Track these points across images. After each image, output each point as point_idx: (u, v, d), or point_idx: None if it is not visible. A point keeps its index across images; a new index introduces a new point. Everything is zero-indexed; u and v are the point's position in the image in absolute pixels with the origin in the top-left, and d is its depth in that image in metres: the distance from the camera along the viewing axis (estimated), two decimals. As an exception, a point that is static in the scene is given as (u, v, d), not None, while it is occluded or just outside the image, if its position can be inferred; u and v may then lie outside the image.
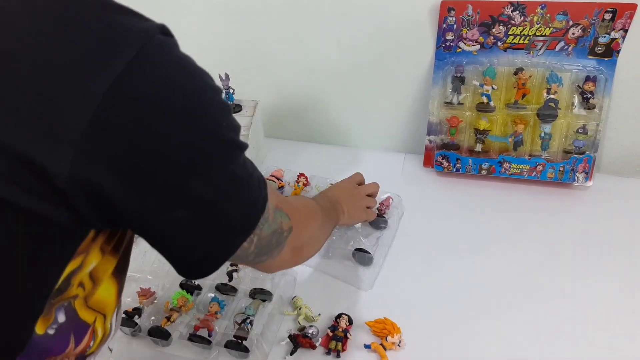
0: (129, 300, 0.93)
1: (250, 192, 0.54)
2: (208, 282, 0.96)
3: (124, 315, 0.89)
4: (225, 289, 0.95)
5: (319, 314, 0.91)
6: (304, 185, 1.17)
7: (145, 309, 0.91)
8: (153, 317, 0.90)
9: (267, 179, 1.16)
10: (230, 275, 0.96)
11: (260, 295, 0.93)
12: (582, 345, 0.85)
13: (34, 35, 0.41)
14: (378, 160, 1.30)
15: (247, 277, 0.97)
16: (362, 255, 0.98)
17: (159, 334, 0.86)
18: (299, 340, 0.85)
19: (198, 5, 1.22)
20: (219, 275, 0.97)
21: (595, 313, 0.89)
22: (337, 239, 1.03)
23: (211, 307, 0.89)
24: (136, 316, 0.89)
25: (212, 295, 0.93)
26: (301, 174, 1.19)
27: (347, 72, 1.24)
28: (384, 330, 0.86)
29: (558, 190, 1.15)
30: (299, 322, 0.89)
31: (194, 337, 0.85)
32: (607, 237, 1.03)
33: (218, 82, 1.16)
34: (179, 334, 0.87)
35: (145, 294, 0.92)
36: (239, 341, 0.84)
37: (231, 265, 0.97)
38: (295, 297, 0.93)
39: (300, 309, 0.91)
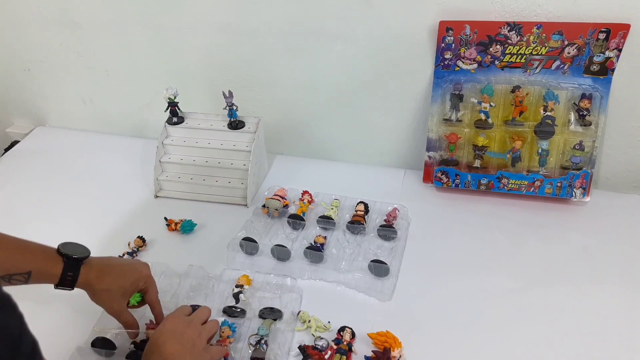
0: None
1: None
2: (215, 307, 0.95)
3: (132, 347, 0.87)
4: (234, 312, 0.94)
5: (329, 322, 0.92)
6: (309, 202, 1.18)
7: None
8: None
9: (272, 198, 1.17)
10: (236, 297, 0.95)
11: (270, 314, 0.93)
12: (581, 359, 0.85)
13: None
14: (378, 176, 1.32)
15: (254, 298, 0.97)
16: (378, 267, 0.99)
17: None
18: (309, 352, 0.86)
19: (204, 25, 1.24)
20: (227, 298, 0.96)
21: (594, 327, 0.90)
22: (350, 252, 1.05)
23: (222, 332, 0.89)
24: None
25: (223, 319, 0.92)
26: (305, 192, 1.20)
27: (348, 90, 1.26)
28: (385, 343, 0.86)
29: (556, 205, 1.17)
30: (313, 335, 0.90)
31: None
32: (605, 253, 1.05)
33: (222, 99, 1.19)
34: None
35: (154, 327, 0.89)
36: None
37: (237, 286, 0.97)
38: (300, 311, 0.94)
39: (309, 321, 0.92)
